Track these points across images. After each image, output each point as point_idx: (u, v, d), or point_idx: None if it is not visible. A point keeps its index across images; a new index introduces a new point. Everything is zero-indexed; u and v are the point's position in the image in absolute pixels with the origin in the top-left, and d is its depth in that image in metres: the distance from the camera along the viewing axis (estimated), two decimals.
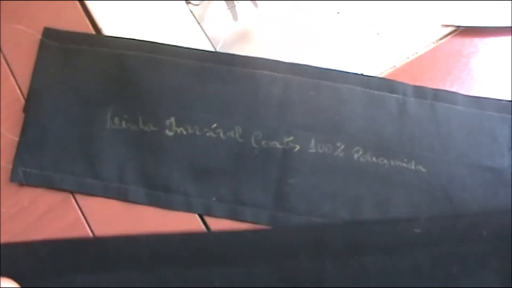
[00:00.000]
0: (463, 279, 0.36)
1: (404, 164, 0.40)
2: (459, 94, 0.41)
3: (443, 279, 0.36)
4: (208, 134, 0.40)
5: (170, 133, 0.40)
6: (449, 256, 0.36)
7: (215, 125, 0.40)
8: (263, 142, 0.40)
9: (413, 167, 0.40)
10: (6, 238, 0.39)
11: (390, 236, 0.36)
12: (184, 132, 0.40)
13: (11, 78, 0.42)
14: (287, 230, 0.37)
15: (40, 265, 0.36)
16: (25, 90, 0.41)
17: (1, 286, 0.33)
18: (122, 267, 0.35)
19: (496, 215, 0.38)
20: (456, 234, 0.37)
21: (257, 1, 0.42)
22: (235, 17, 0.43)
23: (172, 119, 0.40)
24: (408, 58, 0.42)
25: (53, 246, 0.37)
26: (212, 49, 0.42)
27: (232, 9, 0.42)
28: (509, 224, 0.37)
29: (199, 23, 0.43)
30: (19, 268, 0.36)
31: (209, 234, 0.38)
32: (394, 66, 0.42)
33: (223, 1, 0.42)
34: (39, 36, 0.42)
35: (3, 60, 0.42)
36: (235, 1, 0.42)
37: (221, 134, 0.40)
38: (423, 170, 0.40)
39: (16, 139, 0.40)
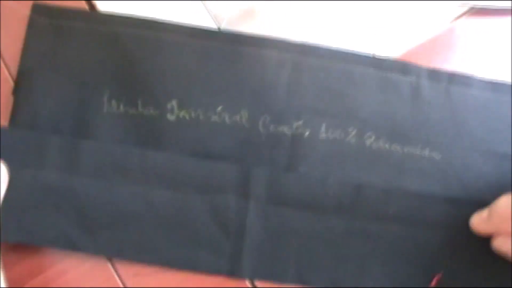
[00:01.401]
0: (374, 260, 0.36)
1: (418, 151, 0.38)
2: (474, 77, 0.39)
3: (358, 256, 0.36)
4: (212, 119, 0.38)
5: (172, 117, 0.38)
6: (360, 232, 0.37)
7: (220, 108, 0.38)
8: (271, 127, 0.38)
9: (427, 154, 0.38)
10: None
11: (303, 192, 0.37)
12: (187, 117, 0.38)
13: None
14: (220, 168, 0.37)
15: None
16: (14, 71, 0.38)
17: None
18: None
19: (402, 195, 0.37)
20: (364, 207, 0.37)
21: None
22: None
23: (174, 102, 0.38)
24: (422, 39, 0.40)
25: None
26: (216, 28, 0.40)
27: None
28: (415, 206, 0.37)
29: (201, 0, 0.40)
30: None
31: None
32: (408, 48, 0.40)
33: None
34: (27, 12, 0.39)
35: None
36: None
37: (226, 119, 0.38)
38: (437, 157, 0.38)
39: (5, 123, 0.37)
